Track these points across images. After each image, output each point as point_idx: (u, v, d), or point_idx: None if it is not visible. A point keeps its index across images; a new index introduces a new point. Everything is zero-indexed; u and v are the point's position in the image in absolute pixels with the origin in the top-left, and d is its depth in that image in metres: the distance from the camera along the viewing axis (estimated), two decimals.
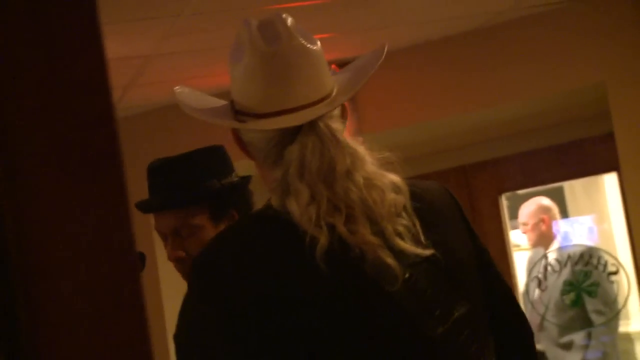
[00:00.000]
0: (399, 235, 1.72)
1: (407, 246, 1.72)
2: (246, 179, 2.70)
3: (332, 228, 1.68)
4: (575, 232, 7.65)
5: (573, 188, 8.35)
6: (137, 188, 2.73)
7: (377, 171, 1.77)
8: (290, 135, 1.77)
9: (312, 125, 1.76)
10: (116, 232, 0.97)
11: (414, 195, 1.78)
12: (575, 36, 5.41)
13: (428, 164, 6.52)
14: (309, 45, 1.84)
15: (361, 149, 1.78)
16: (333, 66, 5.77)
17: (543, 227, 6.60)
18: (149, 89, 5.70)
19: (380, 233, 1.71)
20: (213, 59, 5.33)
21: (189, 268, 2.56)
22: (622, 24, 5.30)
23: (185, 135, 5.18)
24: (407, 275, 1.69)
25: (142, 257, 2.67)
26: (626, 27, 5.29)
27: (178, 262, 2.64)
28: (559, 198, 7.70)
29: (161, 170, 2.68)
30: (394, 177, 1.78)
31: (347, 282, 1.67)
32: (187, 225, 2.60)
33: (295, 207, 1.69)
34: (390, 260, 1.68)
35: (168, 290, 5.48)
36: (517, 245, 7.41)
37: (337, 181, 1.71)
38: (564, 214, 7.94)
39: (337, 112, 1.83)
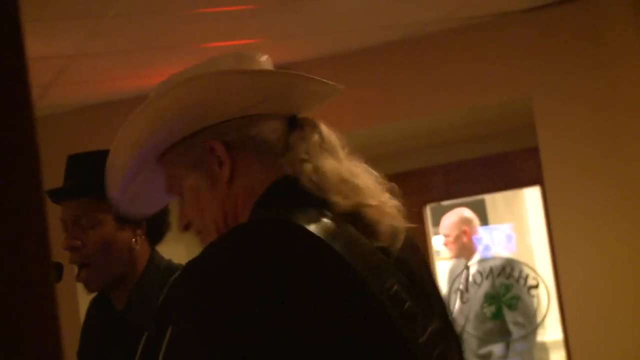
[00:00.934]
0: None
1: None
2: None
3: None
4: (495, 241, 7.71)
5: (494, 198, 8.43)
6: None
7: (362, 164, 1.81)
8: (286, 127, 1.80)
9: (306, 118, 1.83)
10: (29, 237, 0.90)
11: None
12: (503, 50, 5.43)
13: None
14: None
15: None
16: None
17: (464, 239, 6.63)
18: (70, 89, 5.59)
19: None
20: (135, 61, 5.25)
21: (83, 259, 2.56)
22: (550, 40, 5.32)
23: (105, 136, 5.07)
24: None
25: (59, 268, 2.61)
26: (553, 43, 5.31)
27: (73, 251, 2.61)
28: (479, 208, 7.75)
29: (76, 160, 2.66)
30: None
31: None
32: (89, 216, 2.58)
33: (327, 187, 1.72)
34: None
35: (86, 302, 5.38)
36: (438, 253, 7.44)
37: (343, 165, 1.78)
38: (484, 223, 8.00)
39: None
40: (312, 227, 1.64)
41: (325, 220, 1.66)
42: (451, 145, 6.30)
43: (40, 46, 4.73)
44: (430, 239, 6.55)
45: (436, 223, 6.92)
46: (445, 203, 7.04)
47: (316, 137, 1.77)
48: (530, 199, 8.32)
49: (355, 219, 1.70)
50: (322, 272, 1.62)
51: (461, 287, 6.36)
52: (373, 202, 1.72)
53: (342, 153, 1.78)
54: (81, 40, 4.73)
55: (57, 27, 4.54)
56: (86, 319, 2.80)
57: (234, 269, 1.60)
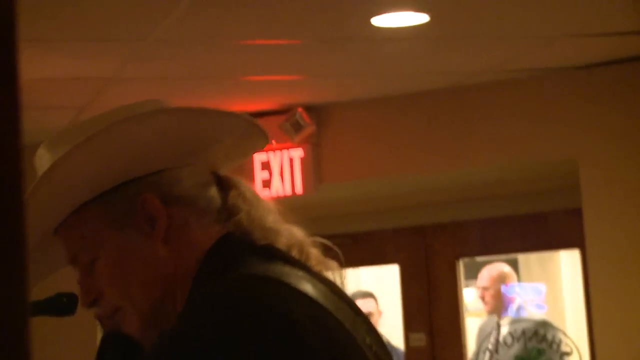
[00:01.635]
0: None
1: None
2: None
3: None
4: (528, 300, 7.53)
5: (528, 257, 8.24)
6: None
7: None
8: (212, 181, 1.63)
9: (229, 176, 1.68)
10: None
11: None
12: (552, 106, 5.27)
13: (385, 221, 6.36)
14: None
15: None
16: (300, 109, 5.66)
17: (500, 294, 6.47)
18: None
19: None
20: (174, 88, 5.13)
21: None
22: (601, 99, 5.16)
23: None
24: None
25: (72, 299, 2.47)
26: (605, 102, 5.15)
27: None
28: (512, 265, 7.59)
29: None
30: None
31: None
32: None
33: (279, 243, 1.59)
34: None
35: None
36: (468, 311, 7.29)
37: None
38: (517, 280, 7.83)
39: None
40: (301, 285, 1.48)
41: (301, 274, 1.51)
42: (489, 200, 6.13)
43: (79, 66, 4.63)
44: (461, 294, 6.37)
45: (468, 277, 6.76)
46: (479, 259, 6.88)
47: (249, 193, 1.61)
48: (565, 261, 8.13)
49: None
50: (325, 334, 1.46)
51: (490, 347, 6.19)
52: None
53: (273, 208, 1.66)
54: (121, 63, 4.62)
55: (96, 48, 4.43)
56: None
57: (239, 326, 1.40)
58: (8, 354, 0.75)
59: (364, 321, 1.56)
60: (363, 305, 6.88)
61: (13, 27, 0.75)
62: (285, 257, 1.53)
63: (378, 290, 7.58)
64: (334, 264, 1.62)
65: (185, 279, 1.53)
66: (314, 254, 1.61)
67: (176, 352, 1.40)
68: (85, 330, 5.25)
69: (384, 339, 1.61)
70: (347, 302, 1.55)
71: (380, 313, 7.16)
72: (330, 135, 5.66)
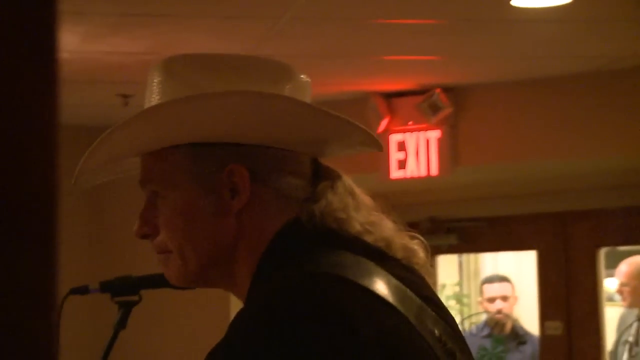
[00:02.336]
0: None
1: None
2: None
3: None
4: None
5: None
6: None
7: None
8: (310, 173, 1.58)
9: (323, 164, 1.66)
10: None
11: None
12: None
13: (523, 206, 6.24)
14: None
15: None
16: (437, 90, 5.58)
17: (639, 289, 6.27)
18: None
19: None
20: (308, 67, 5.09)
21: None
22: None
23: None
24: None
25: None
26: None
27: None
28: None
29: None
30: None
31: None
32: None
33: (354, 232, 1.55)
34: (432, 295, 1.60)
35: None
36: (610, 298, 7.10)
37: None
38: None
39: None
40: (363, 277, 1.43)
41: (367, 264, 1.46)
42: (633, 187, 5.93)
43: (214, 43, 4.65)
44: (601, 284, 6.19)
45: (610, 267, 6.57)
46: (621, 249, 6.68)
47: (345, 192, 1.56)
48: None
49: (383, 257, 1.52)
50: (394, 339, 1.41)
51: (631, 339, 6.04)
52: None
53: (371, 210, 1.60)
54: (257, 41, 4.62)
55: (232, 26, 4.44)
56: None
57: (308, 326, 1.34)
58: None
59: (436, 311, 1.51)
60: (499, 289, 6.77)
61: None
62: (352, 246, 1.48)
63: (516, 275, 7.47)
64: (421, 259, 1.57)
65: (248, 259, 1.50)
66: (404, 247, 1.56)
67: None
68: (219, 302, 5.31)
69: (458, 327, 1.57)
70: (424, 295, 1.51)
71: (516, 298, 7.04)
72: (468, 118, 5.57)
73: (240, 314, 1.39)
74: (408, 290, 1.47)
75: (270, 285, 1.42)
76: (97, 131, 6.05)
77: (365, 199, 1.60)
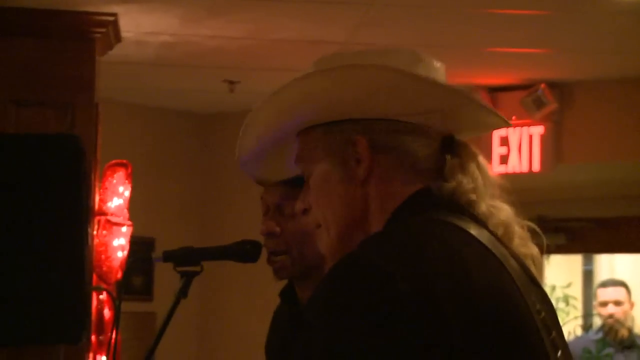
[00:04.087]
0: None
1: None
2: None
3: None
4: None
5: None
6: None
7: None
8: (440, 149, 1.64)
9: (466, 145, 1.66)
10: None
11: None
12: None
13: (634, 207, 6.08)
14: None
15: None
16: (543, 85, 5.48)
17: None
18: None
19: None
20: None
21: (279, 246, 2.46)
22: None
23: None
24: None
25: (257, 247, 2.53)
26: None
27: (269, 238, 2.52)
28: None
29: None
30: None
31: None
32: (292, 204, 2.43)
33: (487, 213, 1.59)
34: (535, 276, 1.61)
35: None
36: None
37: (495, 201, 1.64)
38: None
39: None
40: (478, 234, 1.52)
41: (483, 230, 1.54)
42: None
43: (311, 29, 4.66)
44: None
45: None
46: None
47: (477, 172, 1.61)
48: None
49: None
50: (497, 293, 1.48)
51: None
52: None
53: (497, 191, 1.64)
54: (353, 27, 4.60)
55: (328, 11, 4.44)
56: (275, 313, 2.70)
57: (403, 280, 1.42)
58: None
59: (540, 292, 1.57)
60: (613, 293, 6.61)
61: None
62: (472, 215, 1.57)
63: (634, 280, 7.29)
64: (535, 249, 1.63)
65: (380, 223, 1.60)
66: (519, 235, 1.62)
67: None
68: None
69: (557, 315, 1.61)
70: (531, 276, 1.57)
71: (632, 304, 6.86)
72: (573, 114, 5.46)
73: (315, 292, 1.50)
74: (516, 263, 1.54)
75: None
76: (204, 118, 6.18)
77: (495, 180, 1.65)
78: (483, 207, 1.58)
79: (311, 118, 1.67)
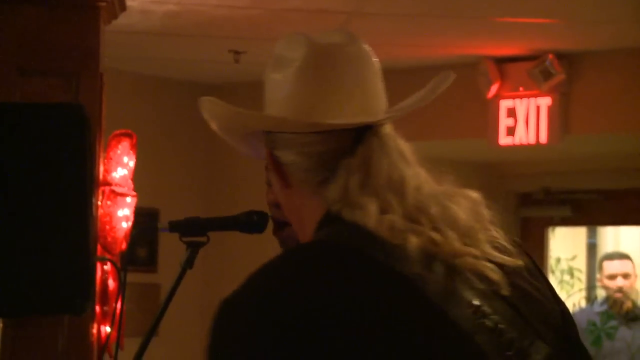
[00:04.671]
0: (495, 247, 1.48)
1: (507, 259, 1.48)
2: None
3: (419, 235, 1.43)
4: None
5: None
6: None
7: (454, 189, 1.53)
8: (346, 148, 1.52)
9: (376, 135, 1.54)
10: None
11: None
12: None
13: (633, 179, 6.06)
14: (369, 51, 1.60)
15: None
16: (550, 56, 5.44)
17: None
18: None
19: (473, 246, 1.47)
20: (416, 27, 5.02)
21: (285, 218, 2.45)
22: None
23: None
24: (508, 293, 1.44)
25: (264, 217, 2.50)
26: None
27: (275, 208, 2.48)
28: None
29: None
30: (475, 194, 1.55)
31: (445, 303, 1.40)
32: None
33: (368, 219, 1.44)
34: (493, 274, 1.44)
35: None
36: None
37: (407, 194, 1.49)
38: None
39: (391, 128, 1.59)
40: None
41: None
42: None
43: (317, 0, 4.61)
44: None
45: None
46: None
47: (357, 176, 1.50)
48: None
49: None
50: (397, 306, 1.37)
51: None
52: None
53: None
54: None
55: None
56: None
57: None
58: None
59: (485, 283, 1.44)
60: (620, 266, 6.59)
61: None
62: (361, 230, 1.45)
63: (639, 253, 7.27)
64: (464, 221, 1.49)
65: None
66: (436, 214, 1.48)
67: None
68: None
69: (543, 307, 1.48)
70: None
71: (637, 276, 6.84)
72: (581, 85, 5.41)
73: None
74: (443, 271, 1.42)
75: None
76: (210, 88, 6.13)
77: (408, 153, 1.56)
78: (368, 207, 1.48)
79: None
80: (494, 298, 1.41)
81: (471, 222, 1.48)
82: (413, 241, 1.41)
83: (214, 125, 1.65)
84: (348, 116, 1.53)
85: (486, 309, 1.39)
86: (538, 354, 1.40)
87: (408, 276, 1.38)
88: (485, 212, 1.52)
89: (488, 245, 1.47)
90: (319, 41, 1.57)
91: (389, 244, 1.40)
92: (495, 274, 1.43)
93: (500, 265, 1.45)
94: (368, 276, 1.38)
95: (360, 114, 1.54)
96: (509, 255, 1.47)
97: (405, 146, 1.56)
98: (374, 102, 1.57)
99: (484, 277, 1.42)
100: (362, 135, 1.53)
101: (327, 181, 1.51)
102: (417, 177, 1.52)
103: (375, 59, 1.59)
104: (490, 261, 1.45)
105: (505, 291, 1.42)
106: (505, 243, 1.49)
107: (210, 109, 1.64)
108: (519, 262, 1.48)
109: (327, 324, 1.33)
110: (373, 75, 1.58)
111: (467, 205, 1.51)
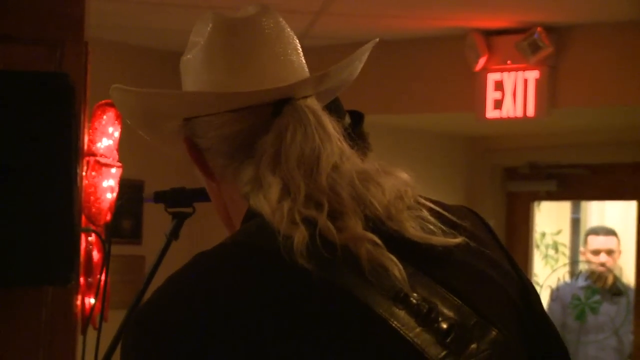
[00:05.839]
0: (422, 228, 1.37)
1: (435, 239, 1.36)
2: None
3: (311, 224, 1.32)
4: None
5: None
6: None
7: (379, 168, 1.41)
8: (264, 124, 1.43)
9: (293, 107, 1.43)
10: None
11: (436, 206, 1.42)
12: None
13: (628, 153, 6.04)
14: (284, 24, 1.52)
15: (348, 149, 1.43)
16: (539, 29, 5.40)
17: None
18: (338, 20, 5.41)
19: (380, 231, 1.34)
20: None
21: None
22: None
23: (369, 75, 4.91)
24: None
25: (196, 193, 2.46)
26: None
27: None
28: None
29: None
30: (404, 175, 1.42)
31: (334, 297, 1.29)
32: None
33: (265, 206, 1.35)
34: (388, 261, 1.31)
35: None
36: None
37: (320, 173, 1.37)
38: None
39: (317, 103, 1.48)
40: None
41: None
42: None
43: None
44: None
45: None
46: None
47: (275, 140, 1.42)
48: None
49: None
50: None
51: None
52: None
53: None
54: None
55: None
56: None
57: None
58: None
59: (417, 266, 1.34)
60: (605, 242, 6.59)
61: None
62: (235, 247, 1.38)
63: (623, 228, 7.27)
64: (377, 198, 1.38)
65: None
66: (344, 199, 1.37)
67: None
68: None
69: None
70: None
71: (620, 252, 6.85)
72: (570, 58, 5.39)
73: None
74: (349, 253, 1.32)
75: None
76: None
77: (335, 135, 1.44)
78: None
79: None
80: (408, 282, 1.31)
81: (392, 203, 1.36)
82: (301, 233, 1.30)
83: (128, 120, 1.56)
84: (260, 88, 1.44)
85: (407, 291, 1.30)
86: (482, 338, 1.30)
87: (300, 269, 1.28)
88: (412, 193, 1.39)
89: (412, 225, 1.35)
90: (227, 16, 1.47)
91: (282, 236, 1.30)
92: (393, 266, 1.30)
93: (428, 247, 1.34)
94: (266, 276, 1.30)
95: (273, 85, 1.44)
96: (441, 235, 1.36)
97: (329, 119, 1.44)
98: (290, 74, 1.46)
99: (382, 266, 1.30)
100: (279, 109, 1.43)
101: (241, 167, 1.44)
102: (338, 154, 1.40)
103: (290, 31, 1.51)
104: (411, 242, 1.34)
105: (406, 287, 1.30)
106: (437, 223, 1.37)
107: (121, 100, 1.54)
108: (453, 240, 1.36)
109: (230, 332, 1.25)
110: (287, 46, 1.48)
111: (392, 184, 1.39)
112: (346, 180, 1.37)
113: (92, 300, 3.04)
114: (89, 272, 3.07)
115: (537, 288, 7.51)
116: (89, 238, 3.06)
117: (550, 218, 7.88)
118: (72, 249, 2.63)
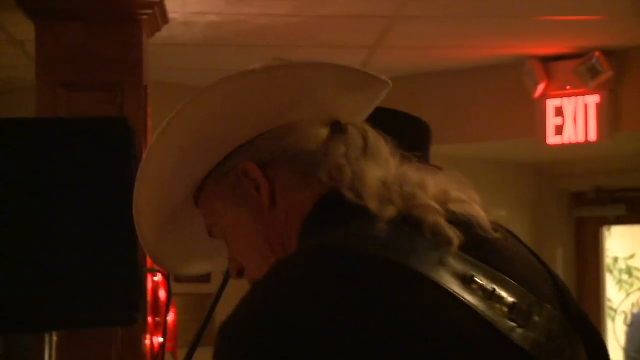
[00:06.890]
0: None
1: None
2: None
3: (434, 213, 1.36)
4: None
5: None
6: None
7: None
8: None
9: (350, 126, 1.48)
10: None
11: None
12: None
13: None
14: None
15: None
16: (597, 53, 5.38)
17: None
18: (393, 53, 5.43)
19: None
20: (461, 28, 4.98)
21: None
22: None
23: (424, 106, 4.92)
24: None
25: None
26: None
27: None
28: None
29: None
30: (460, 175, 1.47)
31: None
32: None
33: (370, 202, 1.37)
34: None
35: None
36: None
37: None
38: None
39: None
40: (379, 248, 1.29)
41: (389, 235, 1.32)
42: None
43: (361, 5, 4.60)
44: None
45: None
46: None
47: (359, 141, 1.45)
48: None
49: (415, 225, 1.34)
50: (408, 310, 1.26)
51: None
52: (430, 204, 1.36)
53: (391, 160, 1.44)
54: (400, 1, 4.54)
55: None
56: None
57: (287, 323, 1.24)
58: None
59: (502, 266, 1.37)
60: None
61: None
62: (360, 215, 1.37)
63: None
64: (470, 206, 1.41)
65: (293, 242, 1.45)
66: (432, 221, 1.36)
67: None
68: None
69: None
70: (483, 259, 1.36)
71: None
72: (629, 82, 5.35)
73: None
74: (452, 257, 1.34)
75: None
76: None
77: (383, 148, 1.47)
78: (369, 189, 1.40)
79: (194, 170, 1.50)
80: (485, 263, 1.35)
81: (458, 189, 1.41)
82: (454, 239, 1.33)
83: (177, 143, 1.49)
84: None
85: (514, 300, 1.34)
86: (541, 313, 1.35)
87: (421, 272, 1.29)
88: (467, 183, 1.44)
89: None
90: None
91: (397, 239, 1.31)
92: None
93: (483, 240, 1.37)
94: (384, 285, 1.27)
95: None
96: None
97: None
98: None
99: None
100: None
101: (315, 170, 1.43)
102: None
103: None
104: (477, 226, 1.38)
105: (472, 271, 1.33)
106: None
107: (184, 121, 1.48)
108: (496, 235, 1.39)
109: (347, 345, 1.22)
110: None
111: (447, 177, 1.44)
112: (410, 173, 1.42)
113: (161, 339, 3.07)
114: (156, 312, 3.10)
115: (611, 313, 7.43)
116: (155, 278, 3.10)
117: (622, 242, 7.79)
118: (137, 289, 2.66)
